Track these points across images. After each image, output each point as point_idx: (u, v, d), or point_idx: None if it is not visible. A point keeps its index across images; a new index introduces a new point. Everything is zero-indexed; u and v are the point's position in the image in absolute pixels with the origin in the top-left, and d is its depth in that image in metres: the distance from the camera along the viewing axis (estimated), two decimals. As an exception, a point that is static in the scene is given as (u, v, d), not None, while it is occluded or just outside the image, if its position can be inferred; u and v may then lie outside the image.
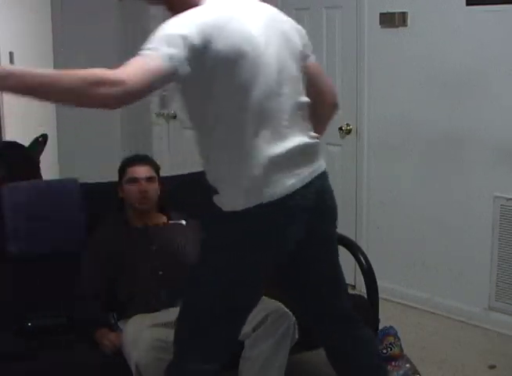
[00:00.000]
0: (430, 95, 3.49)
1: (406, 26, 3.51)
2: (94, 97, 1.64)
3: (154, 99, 4.88)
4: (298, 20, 4.08)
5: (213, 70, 1.75)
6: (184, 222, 2.75)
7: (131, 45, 5.09)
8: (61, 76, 1.69)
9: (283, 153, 1.84)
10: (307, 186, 1.88)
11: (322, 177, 1.96)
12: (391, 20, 3.54)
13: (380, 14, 3.58)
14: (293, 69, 1.92)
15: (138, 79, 1.63)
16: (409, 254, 3.70)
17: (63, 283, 2.61)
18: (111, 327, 2.46)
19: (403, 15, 3.50)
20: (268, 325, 2.28)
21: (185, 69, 1.67)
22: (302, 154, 1.90)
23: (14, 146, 4.14)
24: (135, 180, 2.65)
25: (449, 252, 3.53)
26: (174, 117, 4.67)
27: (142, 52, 1.70)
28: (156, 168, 2.75)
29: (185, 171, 3.21)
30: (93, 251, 2.61)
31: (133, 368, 2.15)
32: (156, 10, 5.06)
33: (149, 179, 2.67)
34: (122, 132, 5.28)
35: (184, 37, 1.69)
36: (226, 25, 1.77)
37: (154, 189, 2.68)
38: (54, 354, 2.29)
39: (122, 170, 2.71)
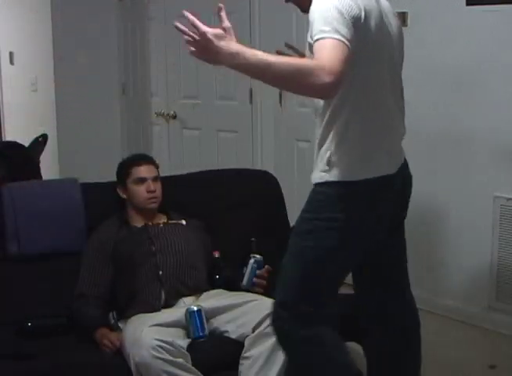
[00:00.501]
0: (430, 95, 3.49)
1: (406, 26, 3.51)
2: (312, 87, 1.72)
3: (154, 99, 4.89)
4: (298, 20, 4.10)
5: (364, 42, 1.87)
6: (184, 222, 2.75)
7: (131, 45, 5.09)
8: (281, 63, 1.77)
9: (398, 131, 2.19)
10: (401, 170, 2.16)
11: (406, 164, 2.25)
12: (391, 20, 3.54)
13: (380, 14, 3.57)
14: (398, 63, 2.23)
15: (340, 66, 1.72)
16: (409, 254, 3.69)
17: (63, 283, 2.61)
18: (111, 327, 2.46)
19: (403, 15, 3.50)
20: (268, 325, 2.28)
21: (354, 45, 1.79)
22: (401, 138, 2.23)
23: (14, 146, 4.15)
24: (143, 180, 2.67)
25: (449, 252, 3.53)
26: (174, 117, 4.67)
27: (324, 37, 1.78)
28: (158, 167, 2.77)
29: (185, 171, 3.22)
30: (93, 250, 2.62)
31: (133, 368, 2.15)
32: (156, 11, 5.06)
33: (155, 179, 2.70)
34: (122, 132, 5.28)
35: (349, 13, 1.81)
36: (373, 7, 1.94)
37: (160, 187, 2.71)
38: (54, 354, 2.29)
39: (125, 170, 2.72)
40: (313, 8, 1.90)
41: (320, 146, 2.00)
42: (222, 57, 1.91)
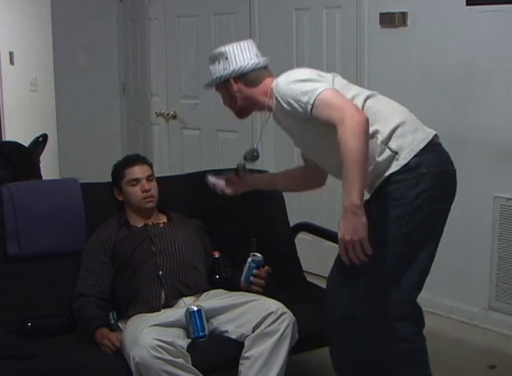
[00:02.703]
0: (430, 95, 3.48)
1: (406, 26, 3.51)
2: (363, 128, 2.00)
3: (154, 99, 4.89)
4: (298, 20, 4.10)
5: None
6: (184, 222, 2.75)
7: (131, 45, 5.09)
8: (351, 154, 1.99)
9: None
10: None
11: None
12: (391, 20, 3.54)
13: (380, 14, 3.57)
14: None
15: (347, 101, 2.09)
16: (409, 254, 3.70)
17: (63, 283, 2.61)
18: (111, 327, 2.46)
19: (403, 15, 3.50)
20: (268, 325, 2.28)
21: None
22: None
23: (15, 146, 4.15)
24: (137, 180, 2.67)
25: (449, 252, 3.51)
26: (174, 117, 4.67)
27: (313, 101, 2.07)
28: (151, 166, 2.77)
29: (185, 172, 3.22)
30: (93, 250, 2.62)
31: (133, 368, 2.15)
32: (156, 11, 5.07)
33: (149, 178, 2.70)
34: (122, 132, 5.29)
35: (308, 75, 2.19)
36: None
37: (155, 186, 2.71)
38: (54, 354, 2.30)
39: (119, 173, 2.72)
40: (281, 99, 2.19)
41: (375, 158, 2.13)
42: (358, 219, 2.00)
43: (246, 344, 2.29)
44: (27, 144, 4.26)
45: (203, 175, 3.06)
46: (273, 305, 2.35)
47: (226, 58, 2.35)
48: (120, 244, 2.61)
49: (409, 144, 2.12)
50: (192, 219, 2.80)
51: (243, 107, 2.42)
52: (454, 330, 3.39)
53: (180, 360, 2.16)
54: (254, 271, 2.57)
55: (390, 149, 2.10)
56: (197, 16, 4.45)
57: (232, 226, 2.92)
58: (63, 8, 4.86)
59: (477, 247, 3.39)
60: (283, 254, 2.93)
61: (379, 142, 2.11)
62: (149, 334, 2.18)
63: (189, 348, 2.27)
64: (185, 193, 2.94)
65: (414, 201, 2.09)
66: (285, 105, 2.17)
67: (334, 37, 3.82)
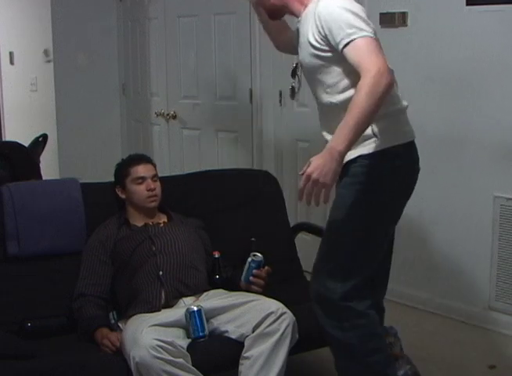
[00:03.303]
0: (430, 94, 3.48)
1: (406, 26, 3.51)
2: (380, 90, 1.94)
3: (154, 99, 4.90)
4: (298, 20, 4.00)
5: None
6: (184, 222, 2.76)
7: (131, 45, 5.09)
8: (360, 105, 1.95)
9: None
10: None
11: None
12: (391, 20, 3.54)
13: (380, 14, 3.57)
14: None
15: (382, 59, 2.00)
16: (409, 254, 3.70)
17: (63, 283, 2.61)
18: (111, 327, 2.46)
19: (403, 15, 3.50)
20: (268, 325, 2.28)
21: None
22: None
23: (15, 146, 4.15)
24: (142, 179, 2.68)
25: (449, 252, 3.53)
26: (174, 117, 4.67)
27: (353, 39, 2.00)
28: (155, 166, 2.78)
29: (185, 171, 3.22)
30: (93, 250, 2.62)
31: (133, 368, 2.15)
32: (156, 11, 5.07)
33: (154, 178, 2.72)
34: (122, 132, 5.29)
35: (359, 10, 2.08)
36: None
37: (159, 186, 2.72)
38: (54, 354, 2.30)
39: (124, 170, 2.72)
40: (323, 15, 2.07)
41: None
42: (333, 164, 1.96)
43: (246, 344, 2.29)
44: (27, 144, 4.26)
45: (203, 174, 3.07)
46: (273, 305, 2.35)
47: None
48: (120, 244, 2.61)
49: (394, 133, 2.19)
50: (192, 219, 2.80)
51: (276, 6, 2.28)
52: (454, 330, 3.39)
53: (180, 360, 2.16)
54: (254, 271, 2.57)
55: (373, 127, 2.11)
56: (197, 16, 4.45)
57: (232, 226, 2.92)
58: (63, 8, 4.85)
59: (477, 247, 3.39)
60: (283, 254, 2.93)
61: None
62: (149, 334, 2.18)
63: (189, 348, 2.27)
64: (185, 193, 2.94)
65: (379, 191, 2.17)
66: (322, 24, 2.07)
67: (334, 37, 3.81)
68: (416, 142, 3.58)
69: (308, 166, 1.97)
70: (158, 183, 2.72)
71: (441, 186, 3.50)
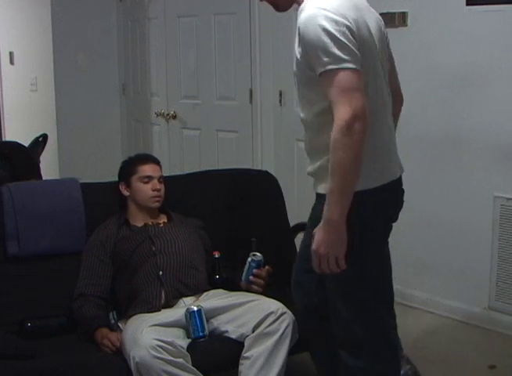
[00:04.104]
0: (430, 94, 3.48)
1: (406, 26, 3.51)
2: (355, 141, 1.77)
3: (154, 99, 4.90)
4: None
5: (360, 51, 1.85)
6: (184, 222, 2.76)
7: (131, 45, 5.09)
8: (338, 167, 1.80)
9: (394, 133, 2.11)
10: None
11: None
12: (391, 20, 3.54)
13: (380, 14, 3.55)
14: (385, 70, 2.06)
15: (356, 99, 1.77)
16: (409, 254, 3.70)
17: (63, 283, 2.61)
18: (111, 327, 2.46)
19: (403, 15, 3.50)
20: (268, 325, 2.28)
21: (358, 60, 1.82)
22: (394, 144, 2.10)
23: (15, 146, 4.15)
24: (149, 178, 2.68)
25: (449, 252, 3.53)
26: (174, 117, 4.67)
27: (328, 70, 1.80)
28: (161, 168, 2.80)
29: (185, 171, 3.22)
30: (93, 250, 2.62)
31: (133, 368, 2.15)
32: (156, 11, 5.06)
33: (160, 179, 2.73)
34: (122, 132, 5.29)
35: (349, 30, 1.82)
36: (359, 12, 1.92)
37: (163, 188, 2.73)
38: (54, 354, 2.30)
39: (132, 167, 2.72)
40: (302, 32, 1.85)
41: (324, 155, 1.92)
42: (336, 234, 1.86)
43: (246, 344, 2.29)
44: (27, 144, 4.26)
45: (203, 174, 3.07)
46: (273, 305, 2.35)
47: None
48: (120, 244, 2.61)
49: (367, 173, 1.87)
50: (192, 219, 2.80)
51: None
52: (454, 330, 3.39)
53: (180, 360, 2.17)
54: (255, 270, 2.58)
55: None
56: (197, 16, 4.45)
57: (232, 226, 2.92)
58: (63, 8, 4.86)
59: (477, 247, 3.39)
60: (283, 254, 2.93)
61: None
62: (149, 334, 2.18)
63: (189, 348, 2.27)
64: (185, 193, 2.94)
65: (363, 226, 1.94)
66: (303, 41, 1.86)
67: (334, 37, 3.81)
68: (417, 142, 3.60)
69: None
70: (163, 185, 2.74)
71: (441, 186, 3.50)
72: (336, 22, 1.80)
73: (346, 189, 1.80)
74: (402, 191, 2.18)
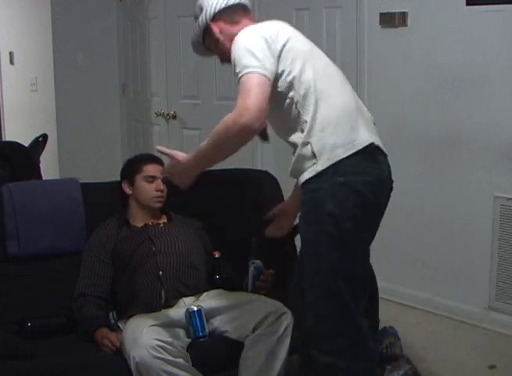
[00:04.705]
0: (430, 94, 3.49)
1: (406, 26, 3.51)
2: (236, 134, 2.00)
3: (154, 99, 4.90)
4: (298, 20, 4.09)
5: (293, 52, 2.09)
6: (184, 222, 2.76)
7: (131, 45, 5.09)
8: (210, 142, 2.10)
9: (365, 114, 2.24)
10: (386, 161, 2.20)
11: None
12: (391, 20, 3.54)
13: (380, 14, 3.58)
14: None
15: (255, 100, 1.94)
16: (409, 254, 3.70)
17: (63, 283, 2.61)
18: (111, 327, 2.46)
19: (403, 15, 3.50)
20: (268, 325, 2.28)
21: (274, 70, 2.02)
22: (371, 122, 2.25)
23: (15, 146, 4.15)
24: (153, 178, 2.69)
25: (449, 252, 3.53)
26: (174, 117, 4.67)
27: (241, 74, 1.99)
28: None
29: (185, 171, 3.20)
30: (93, 250, 2.62)
31: (133, 368, 2.15)
32: (156, 11, 5.06)
33: (163, 180, 2.71)
34: (122, 132, 5.29)
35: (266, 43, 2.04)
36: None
37: (166, 189, 2.73)
38: (54, 354, 2.29)
39: (136, 166, 2.72)
40: (234, 44, 2.07)
41: (298, 147, 2.06)
42: (186, 174, 2.20)
43: (246, 344, 2.29)
44: (27, 144, 4.26)
45: (203, 174, 3.06)
46: (273, 305, 2.35)
47: (201, 8, 2.25)
48: (120, 244, 2.61)
49: (331, 148, 2.00)
50: (192, 219, 2.80)
51: (224, 49, 2.23)
52: (454, 330, 3.39)
53: (180, 360, 2.17)
54: (261, 277, 2.58)
55: (312, 147, 2.02)
56: (197, 16, 4.45)
57: (232, 226, 2.92)
58: (63, 8, 4.86)
59: (477, 247, 3.39)
60: (283, 254, 2.93)
61: (304, 133, 2.03)
62: (149, 334, 2.18)
63: (189, 348, 2.27)
64: (185, 193, 2.93)
65: (332, 213, 1.99)
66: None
67: (334, 37, 3.82)
68: (417, 142, 3.61)
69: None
70: (165, 186, 2.73)
71: (442, 186, 3.51)
72: (258, 32, 2.06)
73: (205, 159, 2.12)
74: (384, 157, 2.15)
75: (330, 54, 3.83)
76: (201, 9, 2.24)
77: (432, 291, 3.61)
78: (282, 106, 2.08)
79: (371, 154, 2.06)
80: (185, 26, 4.54)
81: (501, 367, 2.97)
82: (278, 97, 2.06)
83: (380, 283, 2.75)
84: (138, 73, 5.06)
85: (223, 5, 2.19)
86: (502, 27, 3.16)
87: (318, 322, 2.06)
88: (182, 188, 2.23)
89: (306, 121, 2.04)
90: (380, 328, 2.72)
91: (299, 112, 2.06)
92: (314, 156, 2.02)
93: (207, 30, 2.24)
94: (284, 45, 2.06)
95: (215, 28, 2.22)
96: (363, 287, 2.13)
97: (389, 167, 2.16)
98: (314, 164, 2.02)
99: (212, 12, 2.20)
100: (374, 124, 2.22)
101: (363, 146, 2.03)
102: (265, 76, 1.97)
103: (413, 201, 3.64)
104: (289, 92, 2.06)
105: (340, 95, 2.12)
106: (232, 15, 2.21)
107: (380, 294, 2.74)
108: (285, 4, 4.00)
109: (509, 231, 3.27)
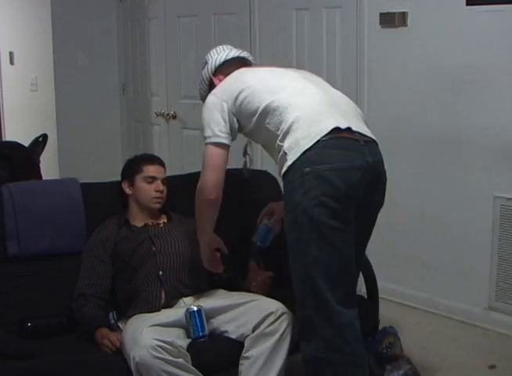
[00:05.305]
0: (430, 94, 3.49)
1: (406, 26, 3.51)
2: (201, 206, 2.40)
3: (154, 99, 4.90)
4: (298, 20, 4.10)
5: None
6: (184, 222, 2.76)
7: (131, 45, 5.09)
8: (196, 213, 2.45)
9: (343, 109, 2.35)
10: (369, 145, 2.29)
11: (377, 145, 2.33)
12: (391, 20, 3.54)
13: (380, 14, 3.58)
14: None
15: (209, 175, 2.33)
16: (409, 254, 3.70)
17: (63, 283, 2.61)
18: (111, 327, 2.46)
19: (403, 15, 3.50)
20: (268, 325, 2.28)
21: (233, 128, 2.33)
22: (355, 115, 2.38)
23: (15, 146, 4.15)
24: (153, 179, 2.69)
25: (449, 252, 3.53)
26: (174, 117, 4.67)
27: (205, 142, 2.33)
28: (165, 171, 2.80)
29: (185, 171, 3.21)
30: (93, 250, 2.62)
31: (133, 368, 2.15)
32: (156, 11, 5.06)
33: (163, 181, 2.73)
34: (122, 132, 5.29)
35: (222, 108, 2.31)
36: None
37: (165, 190, 2.74)
38: (54, 354, 2.29)
39: (137, 166, 2.72)
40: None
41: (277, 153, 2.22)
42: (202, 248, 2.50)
43: (246, 344, 2.29)
44: (27, 144, 4.26)
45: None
46: (273, 305, 2.35)
47: (206, 62, 2.52)
48: (120, 244, 2.61)
49: (296, 142, 2.12)
50: (192, 219, 2.79)
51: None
52: (454, 330, 3.39)
53: (180, 360, 2.17)
54: (259, 279, 2.58)
55: (283, 148, 2.15)
56: (197, 16, 4.45)
57: (232, 226, 2.92)
58: (63, 8, 4.86)
59: (477, 247, 3.39)
60: (283, 254, 2.93)
61: (278, 139, 2.18)
62: (149, 334, 2.18)
63: (189, 348, 2.27)
64: (185, 193, 2.93)
65: (301, 203, 2.07)
66: None
67: (334, 37, 3.82)
68: (417, 142, 3.60)
69: None
70: (165, 187, 2.74)
71: (442, 186, 3.51)
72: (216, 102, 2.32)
73: (200, 227, 2.45)
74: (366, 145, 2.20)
75: (330, 54, 3.88)
76: (205, 64, 2.50)
77: (432, 291, 3.61)
78: (266, 136, 2.28)
79: (341, 143, 2.12)
80: (185, 26, 4.54)
81: (501, 367, 2.97)
82: (260, 132, 2.30)
83: (380, 283, 2.75)
84: (138, 73, 5.06)
85: (222, 60, 2.46)
86: (503, 27, 3.16)
87: (299, 310, 2.17)
88: (210, 267, 2.50)
89: (280, 133, 2.19)
90: (380, 328, 2.72)
91: (276, 130, 2.22)
92: (285, 153, 2.14)
93: (211, 83, 2.48)
94: (237, 98, 2.28)
95: (216, 81, 2.45)
96: (339, 279, 2.12)
97: (374, 156, 2.19)
98: (286, 160, 2.13)
99: (213, 66, 2.47)
100: (362, 117, 2.34)
101: (325, 132, 2.10)
102: (220, 144, 2.29)
103: (413, 201, 3.64)
104: (262, 124, 2.26)
105: (302, 96, 2.24)
106: (229, 68, 2.43)
107: (380, 294, 2.75)
108: (285, 4, 4.00)
109: (509, 231, 3.27)
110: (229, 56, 2.48)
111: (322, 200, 2.04)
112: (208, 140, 2.30)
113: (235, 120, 2.32)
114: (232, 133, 2.33)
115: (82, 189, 2.78)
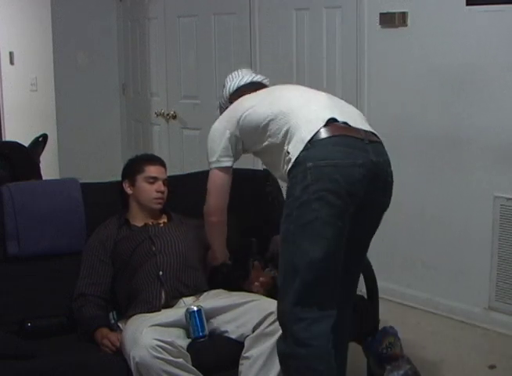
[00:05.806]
0: (430, 95, 3.49)
1: (406, 26, 3.51)
2: (207, 227, 2.58)
3: (154, 99, 4.90)
4: (298, 20, 4.10)
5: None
6: (184, 222, 2.76)
7: (131, 45, 5.09)
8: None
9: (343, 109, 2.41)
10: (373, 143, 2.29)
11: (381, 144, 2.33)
12: (391, 20, 3.54)
13: (380, 14, 3.58)
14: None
15: (213, 200, 2.52)
16: (409, 254, 3.70)
17: (63, 283, 2.61)
18: (111, 327, 2.46)
19: (403, 15, 3.50)
20: (268, 325, 2.28)
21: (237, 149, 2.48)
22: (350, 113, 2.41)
23: (15, 146, 4.15)
24: (154, 179, 2.69)
25: (449, 252, 3.53)
26: (174, 117, 4.67)
27: (210, 167, 2.49)
28: (166, 171, 2.80)
29: (185, 171, 3.21)
30: (93, 250, 2.62)
31: (133, 368, 2.15)
32: (156, 11, 5.06)
33: (164, 181, 2.73)
34: (122, 132, 5.29)
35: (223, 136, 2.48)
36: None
37: (166, 191, 2.73)
38: (54, 354, 2.29)
39: (138, 166, 2.72)
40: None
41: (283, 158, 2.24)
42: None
43: (246, 344, 2.29)
44: (27, 144, 4.26)
45: (203, 174, 3.07)
46: (273, 305, 2.34)
47: (224, 85, 2.67)
48: (120, 244, 2.61)
49: (297, 140, 2.15)
50: (192, 219, 2.80)
51: None
52: (454, 330, 3.39)
53: (180, 360, 2.17)
54: (261, 279, 2.58)
55: (288, 149, 2.18)
56: (197, 16, 4.45)
57: (232, 226, 2.92)
58: (63, 8, 4.86)
59: (477, 247, 3.39)
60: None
61: (284, 144, 2.22)
62: (149, 334, 2.18)
63: (189, 348, 2.27)
64: (185, 193, 2.93)
65: (300, 197, 2.07)
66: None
67: (334, 37, 3.82)
68: (417, 142, 3.61)
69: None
70: (166, 188, 2.74)
71: (442, 186, 3.51)
72: (224, 119, 2.52)
73: (212, 242, 2.61)
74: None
75: (330, 54, 3.88)
76: (223, 87, 2.67)
77: (432, 291, 3.61)
78: (271, 147, 2.31)
79: (346, 140, 2.13)
80: (185, 26, 4.54)
81: (501, 367, 2.97)
82: (266, 147, 2.33)
83: (380, 283, 2.75)
84: (138, 73, 5.06)
85: (235, 87, 2.62)
86: (503, 27, 3.17)
87: (278, 303, 2.17)
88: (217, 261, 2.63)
89: (283, 138, 2.23)
90: (380, 328, 2.72)
91: (278, 137, 2.26)
92: (288, 153, 2.16)
93: (227, 107, 2.59)
94: (239, 122, 2.41)
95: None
96: (321, 278, 2.09)
97: (379, 155, 2.18)
98: (289, 158, 2.15)
99: (228, 92, 2.64)
100: (366, 121, 2.32)
101: (322, 124, 2.13)
102: (222, 168, 2.45)
103: (413, 201, 3.64)
104: (265, 134, 2.30)
105: (300, 101, 2.30)
106: (244, 92, 2.54)
107: (380, 294, 2.74)
108: (285, 4, 4.00)
109: (509, 231, 3.28)
110: (242, 83, 2.62)
111: (323, 195, 2.04)
112: (212, 165, 2.46)
113: (240, 141, 2.44)
114: (236, 154, 2.47)
115: (82, 189, 2.78)
